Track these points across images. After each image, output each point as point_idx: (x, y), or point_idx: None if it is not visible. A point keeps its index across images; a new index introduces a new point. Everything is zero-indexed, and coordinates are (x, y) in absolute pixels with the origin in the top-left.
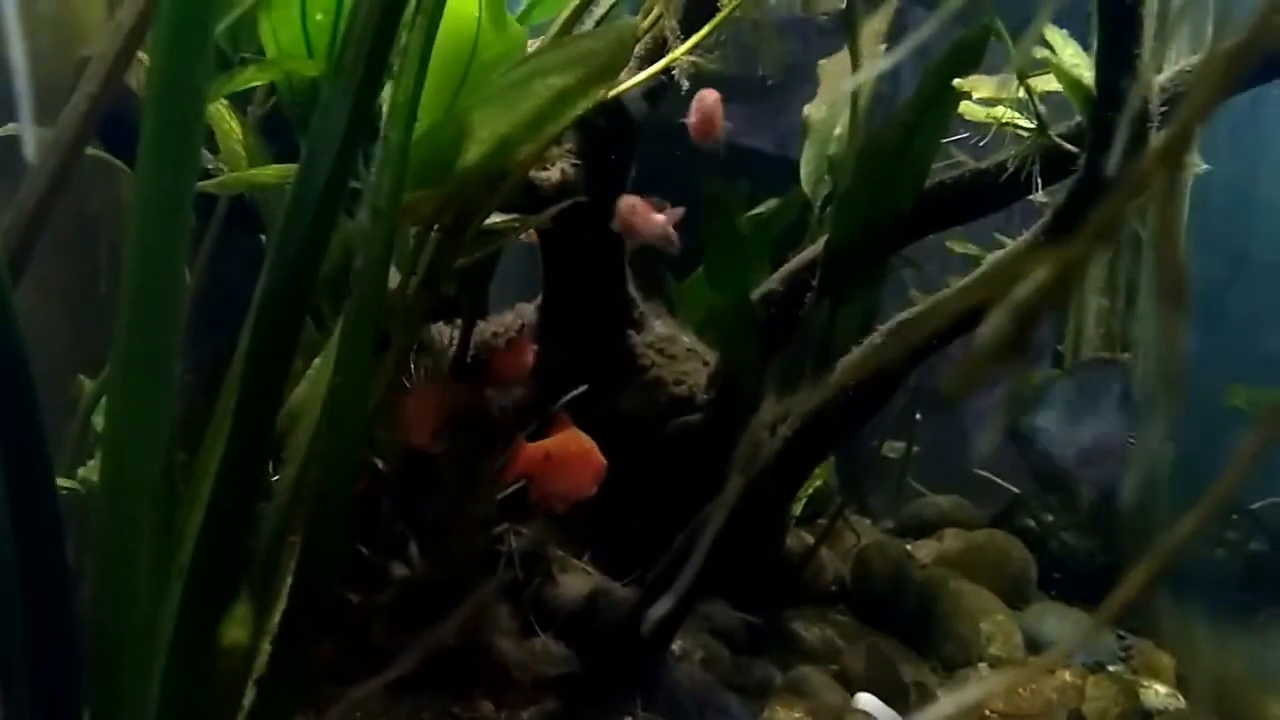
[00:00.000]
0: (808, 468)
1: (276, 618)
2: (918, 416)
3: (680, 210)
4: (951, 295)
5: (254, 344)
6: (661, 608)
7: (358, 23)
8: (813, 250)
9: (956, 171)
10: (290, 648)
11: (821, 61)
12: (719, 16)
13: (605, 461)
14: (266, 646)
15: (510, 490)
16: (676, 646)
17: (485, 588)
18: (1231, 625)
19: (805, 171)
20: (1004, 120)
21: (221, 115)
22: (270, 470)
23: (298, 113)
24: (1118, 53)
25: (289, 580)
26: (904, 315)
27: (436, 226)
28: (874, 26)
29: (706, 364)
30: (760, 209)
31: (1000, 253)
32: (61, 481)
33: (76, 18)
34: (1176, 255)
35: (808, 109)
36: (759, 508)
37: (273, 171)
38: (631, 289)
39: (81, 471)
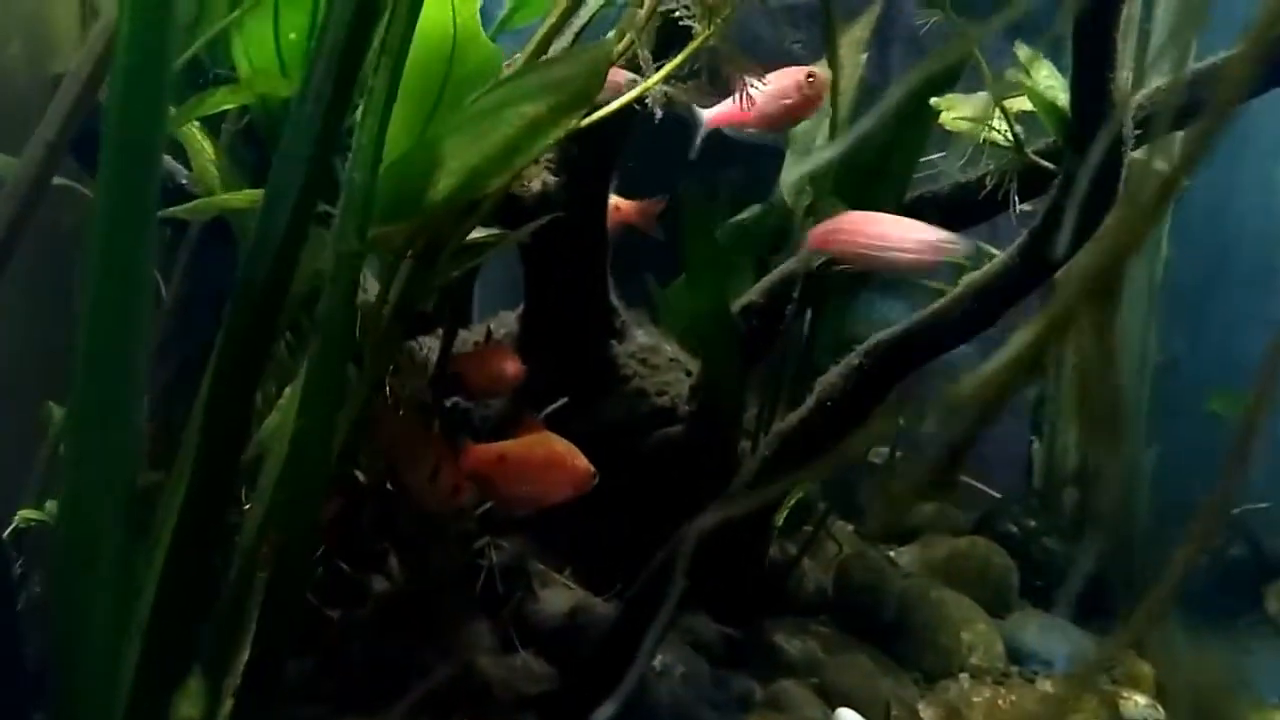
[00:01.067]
0: (789, 486)
1: (231, 695)
2: (901, 422)
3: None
4: (927, 316)
5: (214, 391)
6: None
7: (324, 49)
8: (793, 262)
9: (937, 186)
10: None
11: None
12: (691, 46)
13: (590, 469)
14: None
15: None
16: (657, 662)
17: (465, 605)
18: (1211, 633)
19: (786, 184)
20: (984, 137)
21: (193, 135)
22: (242, 498)
23: (271, 129)
24: (1092, 76)
25: (246, 650)
26: (881, 335)
27: (410, 253)
28: (855, 34)
29: (689, 374)
30: (743, 215)
31: (976, 274)
32: (30, 513)
33: (49, 31)
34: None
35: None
36: (740, 527)
37: (243, 197)
38: (614, 298)
39: (49, 504)
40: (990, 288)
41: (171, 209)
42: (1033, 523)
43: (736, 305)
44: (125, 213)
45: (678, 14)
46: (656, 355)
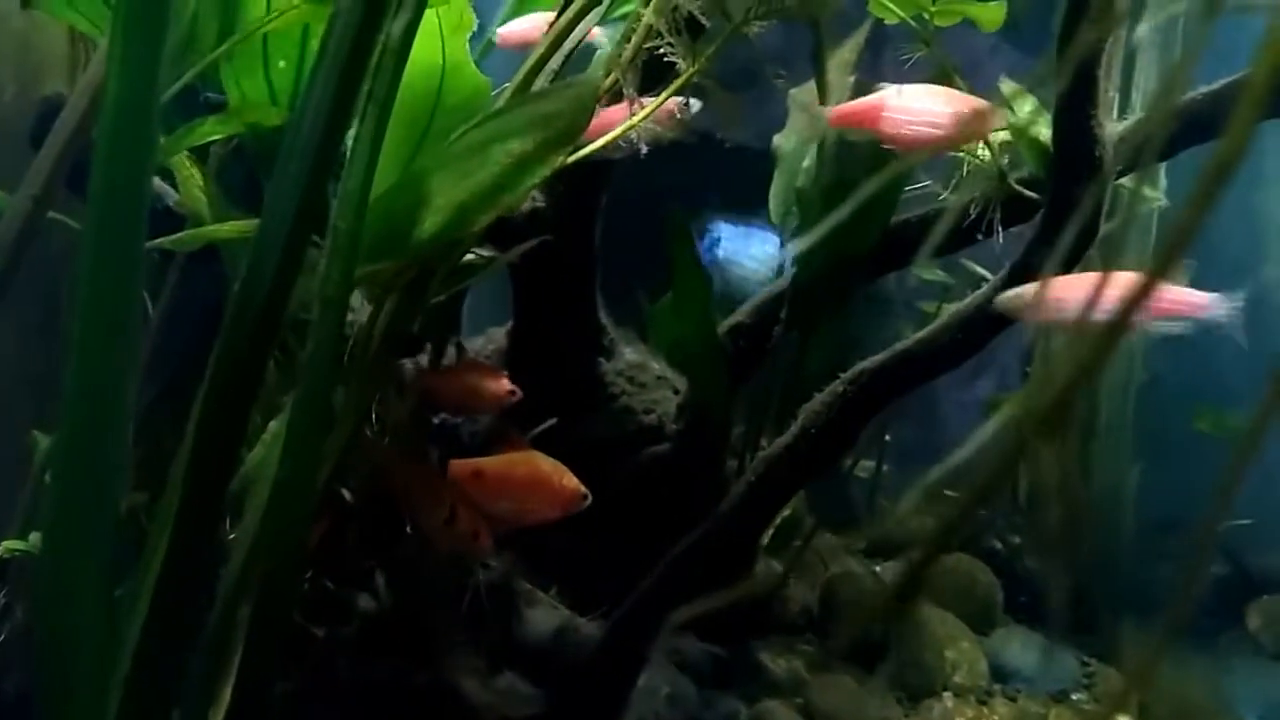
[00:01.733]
0: (775, 509)
1: None
2: (887, 437)
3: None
4: (912, 345)
5: (203, 424)
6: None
7: (318, 80)
8: (781, 283)
9: (922, 210)
10: None
11: (792, 91)
12: (678, 82)
13: (580, 489)
14: None
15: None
16: (642, 681)
17: (452, 624)
18: (1192, 650)
19: (774, 204)
20: (969, 163)
21: (182, 163)
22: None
23: (260, 152)
24: (1075, 113)
25: (233, 677)
26: (866, 363)
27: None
28: (843, 56)
29: (676, 392)
30: None
31: (960, 304)
32: (14, 544)
33: (38, 54)
34: None
35: (777, 139)
36: (725, 552)
37: (231, 228)
38: (602, 316)
39: (33, 536)
40: (974, 318)
41: (159, 240)
42: (1017, 539)
43: (724, 325)
44: (113, 250)
45: (661, 51)
46: (644, 373)
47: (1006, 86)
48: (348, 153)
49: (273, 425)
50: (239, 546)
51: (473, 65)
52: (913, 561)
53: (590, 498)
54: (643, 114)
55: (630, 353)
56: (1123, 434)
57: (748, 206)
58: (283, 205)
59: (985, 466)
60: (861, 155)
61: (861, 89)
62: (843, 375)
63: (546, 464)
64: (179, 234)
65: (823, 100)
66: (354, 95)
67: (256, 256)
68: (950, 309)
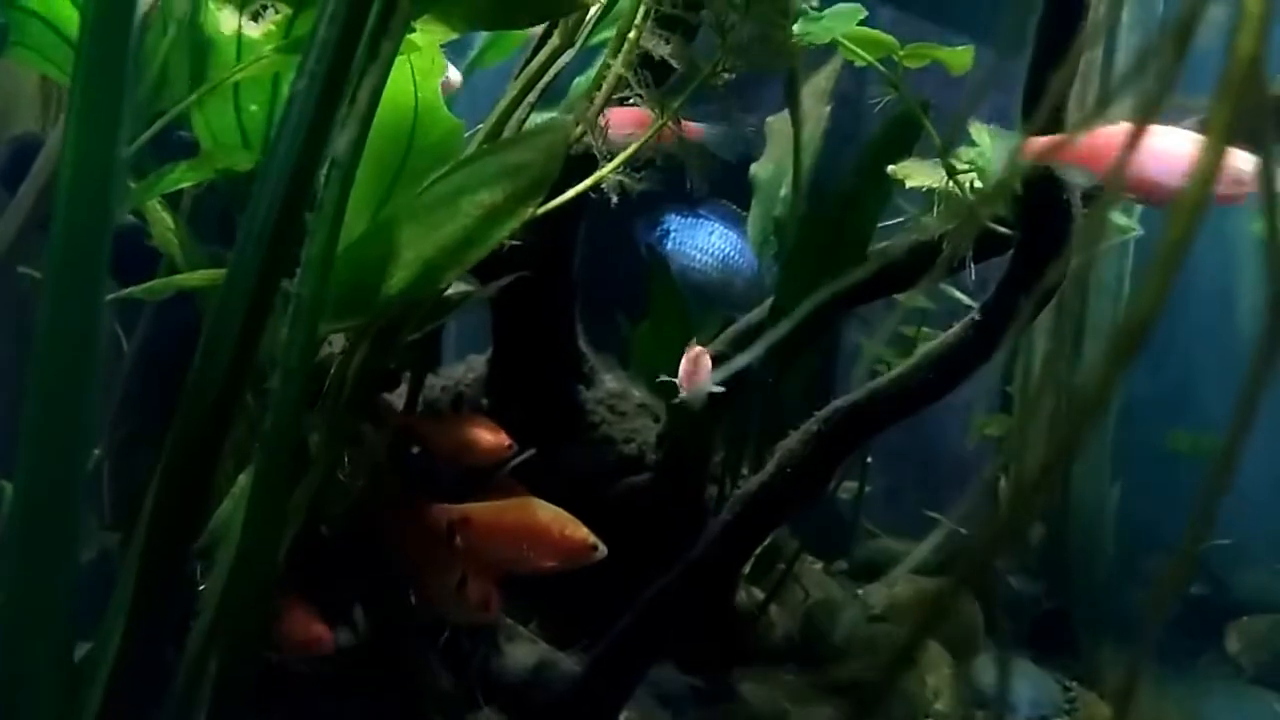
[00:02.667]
0: (752, 547)
1: None
2: (869, 460)
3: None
4: (885, 385)
5: (166, 483)
6: None
7: (288, 127)
8: (759, 312)
9: (901, 242)
10: None
11: (769, 119)
12: (645, 135)
13: (589, 540)
14: None
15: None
16: (623, 718)
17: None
18: (1173, 672)
19: (752, 231)
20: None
21: (152, 205)
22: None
23: (233, 190)
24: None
25: None
26: (839, 402)
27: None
28: (819, 84)
29: (657, 419)
30: None
31: (932, 344)
32: None
33: (8, 93)
34: None
35: (755, 166)
36: (703, 590)
37: (201, 276)
38: (582, 343)
39: None
40: (946, 358)
41: (130, 290)
42: (998, 561)
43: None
44: (72, 304)
45: (631, 100)
46: (624, 401)
47: (975, 129)
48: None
49: (241, 479)
50: (208, 602)
51: (445, 108)
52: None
53: (603, 549)
54: (615, 162)
55: (610, 380)
56: (1102, 454)
57: (701, 198)
58: (248, 262)
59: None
60: (839, 186)
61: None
62: (817, 414)
63: (545, 512)
64: (149, 283)
65: (796, 129)
66: (319, 155)
67: (222, 309)
68: (923, 349)
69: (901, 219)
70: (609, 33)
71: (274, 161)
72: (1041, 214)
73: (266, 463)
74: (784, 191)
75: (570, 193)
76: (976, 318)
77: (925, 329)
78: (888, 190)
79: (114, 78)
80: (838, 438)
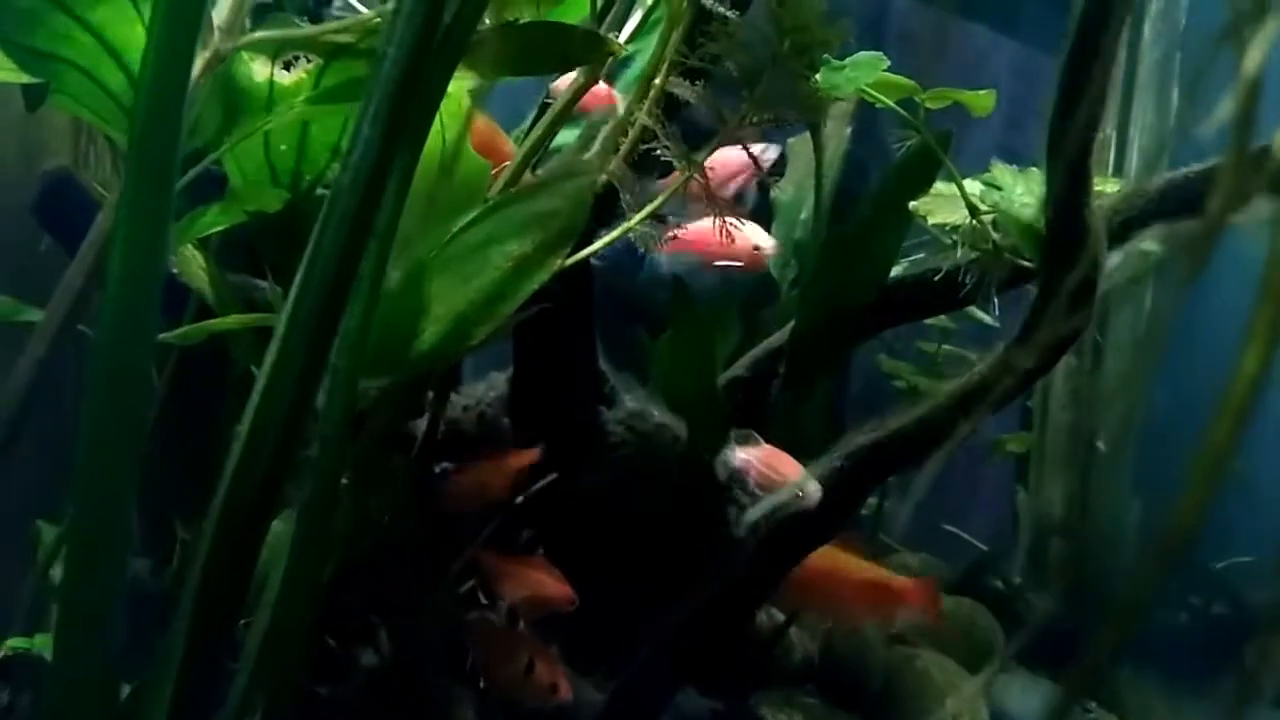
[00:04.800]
0: (776, 579)
1: None
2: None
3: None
4: (908, 422)
5: (217, 543)
6: None
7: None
8: (779, 337)
9: (920, 269)
10: None
11: (790, 140)
12: (669, 190)
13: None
14: None
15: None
16: None
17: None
18: (1192, 694)
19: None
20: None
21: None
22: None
23: (258, 226)
24: (1066, 197)
25: None
26: (861, 439)
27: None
28: (840, 105)
29: (677, 439)
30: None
31: (956, 382)
32: (18, 642)
33: (42, 129)
34: None
35: (775, 190)
36: (728, 620)
37: (234, 320)
38: (602, 363)
39: (39, 638)
40: (970, 396)
41: (164, 335)
42: (1018, 579)
43: (723, 379)
44: (124, 358)
45: (657, 151)
46: (644, 421)
47: (998, 169)
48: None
49: (276, 525)
50: (251, 644)
51: (471, 150)
52: None
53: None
54: (638, 217)
55: (630, 400)
56: (1123, 469)
57: None
58: (300, 335)
59: None
60: (858, 214)
61: None
62: (840, 450)
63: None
64: (183, 329)
65: (818, 153)
66: (364, 245)
67: (274, 376)
68: (947, 386)
69: (922, 239)
70: (636, 66)
71: (319, 253)
72: (1066, 258)
73: (306, 531)
74: (804, 215)
75: (597, 245)
76: (1002, 355)
77: (947, 346)
78: (907, 219)
79: (168, 142)
80: (861, 474)
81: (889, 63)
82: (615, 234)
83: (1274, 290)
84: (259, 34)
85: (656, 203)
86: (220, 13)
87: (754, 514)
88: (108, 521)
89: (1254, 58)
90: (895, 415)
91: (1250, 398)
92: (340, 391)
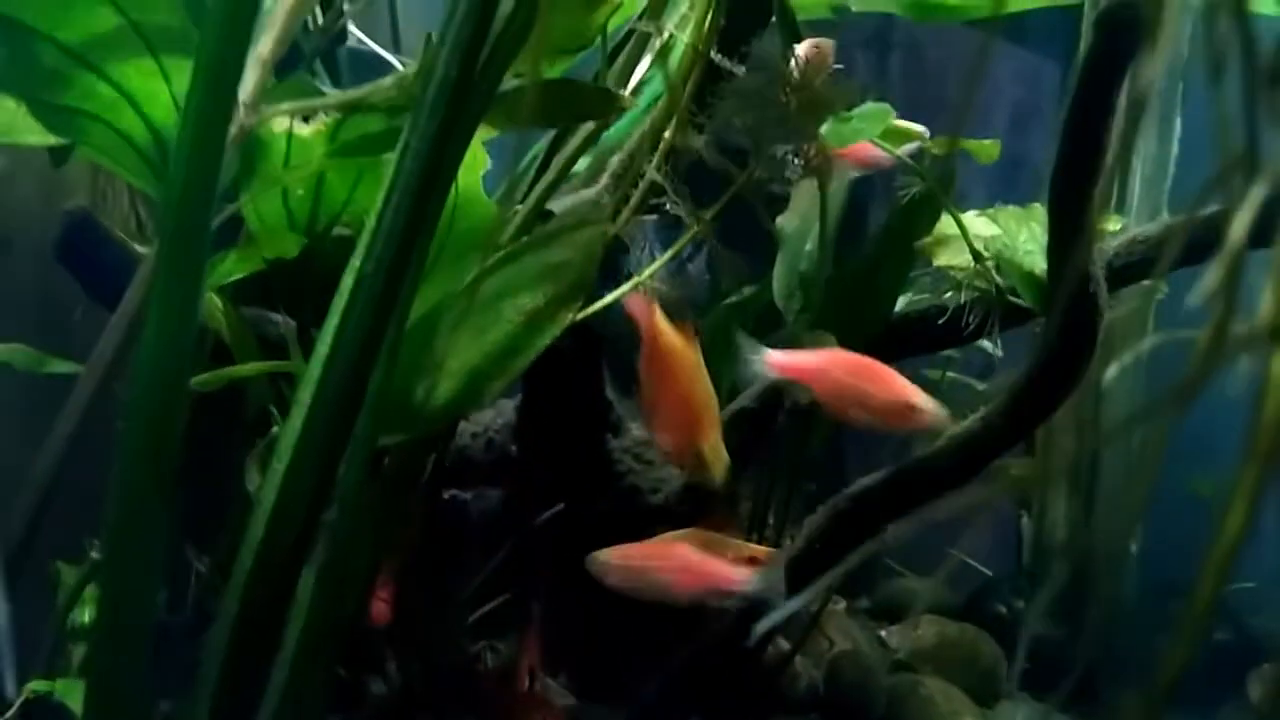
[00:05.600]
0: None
1: None
2: None
3: None
4: (912, 466)
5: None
6: None
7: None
8: None
9: (924, 306)
10: None
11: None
12: (681, 243)
13: None
14: None
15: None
16: None
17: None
18: None
19: (778, 285)
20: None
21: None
22: None
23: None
24: (1068, 246)
25: None
26: (866, 481)
27: None
28: None
29: (681, 467)
30: (735, 296)
31: (959, 428)
32: (40, 685)
33: (62, 169)
34: None
35: (781, 219)
36: (735, 660)
37: (253, 368)
38: (609, 391)
39: (60, 684)
40: (973, 442)
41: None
42: (1022, 604)
43: (729, 410)
44: (157, 407)
45: (666, 205)
46: (650, 449)
47: (1003, 214)
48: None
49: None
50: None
51: (484, 196)
52: None
53: None
54: (644, 274)
55: (636, 428)
56: (1125, 496)
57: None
58: (325, 415)
59: None
60: (863, 250)
61: None
62: (845, 491)
63: None
64: (204, 375)
65: (823, 187)
66: (389, 326)
67: (299, 451)
68: (950, 431)
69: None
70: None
71: (343, 338)
72: (1068, 308)
73: (325, 594)
74: (809, 246)
75: (603, 301)
76: (1004, 401)
77: (951, 374)
78: (913, 256)
79: (201, 217)
80: (864, 517)
81: (895, 114)
82: (624, 289)
83: (1260, 451)
84: (282, 105)
85: (665, 257)
86: (245, 88)
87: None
88: (138, 585)
89: (1239, 225)
90: (899, 460)
91: (1232, 557)
92: (359, 455)
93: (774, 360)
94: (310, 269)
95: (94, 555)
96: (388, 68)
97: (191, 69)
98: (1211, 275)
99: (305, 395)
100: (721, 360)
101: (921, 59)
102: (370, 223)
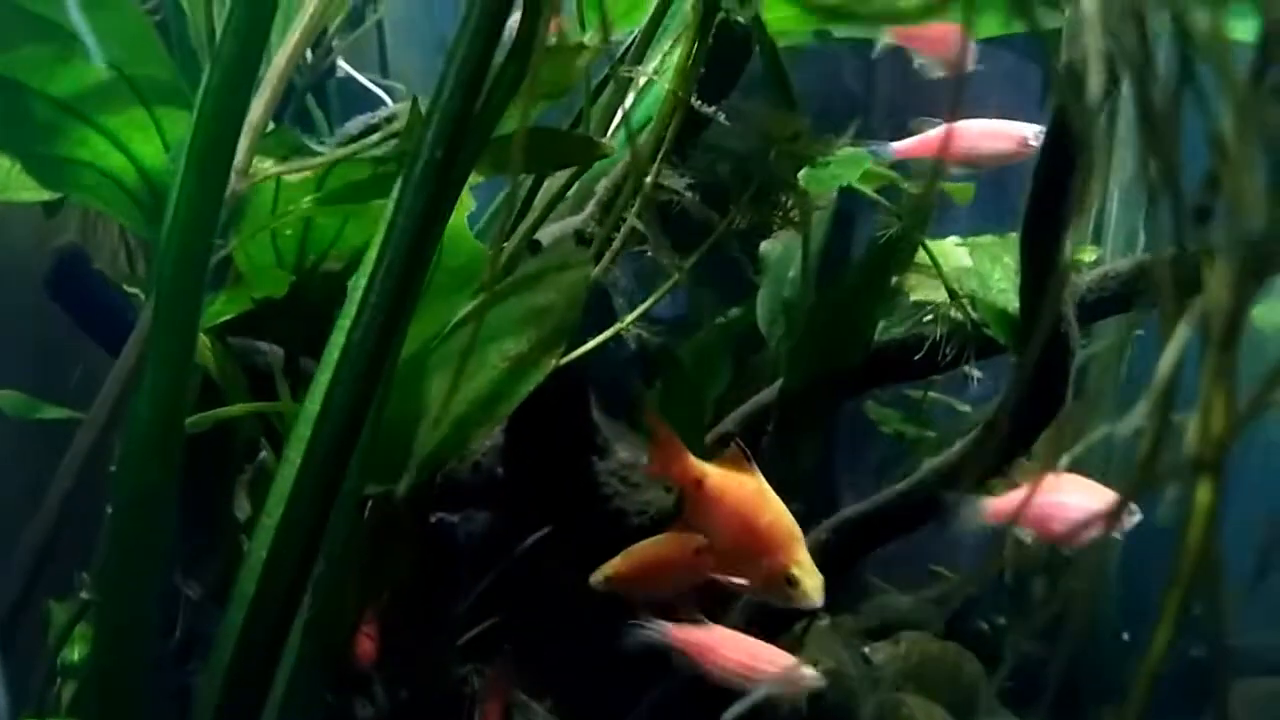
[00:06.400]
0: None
1: None
2: None
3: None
4: (892, 497)
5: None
6: None
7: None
8: (768, 394)
9: (905, 334)
10: None
11: None
12: (661, 291)
13: None
14: None
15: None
16: None
17: None
18: None
19: (761, 311)
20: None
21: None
22: None
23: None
24: (1040, 285)
25: None
26: (847, 513)
27: None
28: None
29: (669, 489)
30: (722, 318)
31: (938, 459)
32: None
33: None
34: None
35: (764, 245)
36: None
37: (242, 409)
38: (596, 413)
39: None
40: (953, 473)
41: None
42: (1003, 620)
43: (714, 434)
44: (152, 462)
45: (648, 254)
46: (636, 472)
47: (978, 254)
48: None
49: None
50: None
51: (470, 235)
52: None
53: None
54: (632, 316)
55: (622, 450)
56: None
57: None
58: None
59: None
60: (843, 280)
61: None
62: (826, 522)
63: None
64: (195, 416)
65: (805, 215)
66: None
67: (289, 513)
68: (928, 463)
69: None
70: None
71: (331, 404)
72: (1040, 348)
73: (312, 649)
74: (792, 273)
75: (590, 344)
76: (980, 433)
77: (932, 394)
78: (890, 290)
79: (201, 252)
80: (846, 548)
81: (871, 160)
82: (610, 332)
83: (1181, 578)
84: (271, 169)
85: (649, 302)
86: (237, 153)
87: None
88: (133, 631)
89: (1168, 360)
90: (879, 492)
91: (1160, 663)
92: (346, 511)
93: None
94: (297, 301)
95: (84, 595)
96: (376, 100)
97: (189, 140)
98: (1140, 409)
99: (295, 454)
100: (707, 379)
101: (904, 63)
102: (362, 277)
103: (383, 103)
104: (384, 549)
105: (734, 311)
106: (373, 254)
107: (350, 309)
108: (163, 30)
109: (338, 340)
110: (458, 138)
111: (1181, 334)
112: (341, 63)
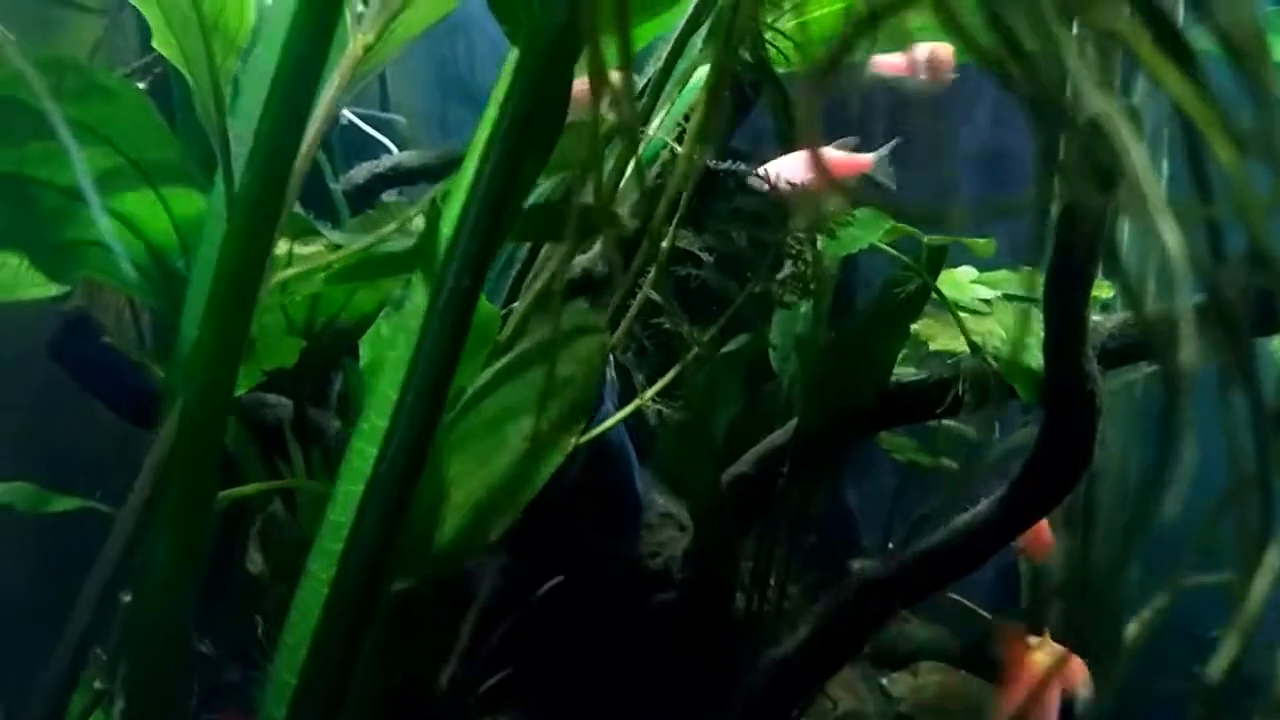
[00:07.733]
0: (787, 711)
1: None
2: (890, 545)
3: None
4: (914, 557)
5: None
6: None
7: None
8: (781, 434)
9: (919, 376)
10: None
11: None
12: (680, 365)
13: None
14: None
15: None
16: None
17: None
18: None
19: (774, 348)
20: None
21: None
22: None
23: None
24: (1064, 356)
25: None
26: (870, 573)
27: None
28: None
29: (682, 529)
30: (731, 345)
31: (961, 519)
32: None
33: None
34: None
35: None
36: None
37: (255, 488)
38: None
39: None
40: (974, 534)
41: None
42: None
43: (729, 475)
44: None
45: (665, 325)
46: (649, 512)
47: (999, 307)
48: None
49: None
50: None
51: (484, 297)
52: None
53: None
54: (649, 392)
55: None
56: (1122, 531)
57: None
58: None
59: None
60: (858, 320)
61: None
62: (848, 581)
63: None
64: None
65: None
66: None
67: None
68: (952, 523)
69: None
70: None
71: (363, 524)
72: (1065, 401)
73: None
74: (804, 309)
75: (609, 423)
76: (1004, 494)
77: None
78: (906, 331)
79: (238, 331)
80: (870, 609)
81: (891, 222)
82: (625, 412)
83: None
84: (289, 273)
85: (656, 387)
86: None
87: None
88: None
89: (1258, 593)
90: (902, 549)
91: None
92: (372, 610)
93: None
94: (306, 357)
95: (96, 685)
96: (379, 147)
97: (217, 258)
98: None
99: (322, 571)
100: (718, 405)
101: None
102: (400, 372)
103: (384, 146)
104: (403, 639)
105: (742, 337)
106: (399, 376)
107: (377, 417)
108: (160, 94)
109: (365, 459)
110: (494, 221)
111: (1273, 561)
112: (345, 111)
